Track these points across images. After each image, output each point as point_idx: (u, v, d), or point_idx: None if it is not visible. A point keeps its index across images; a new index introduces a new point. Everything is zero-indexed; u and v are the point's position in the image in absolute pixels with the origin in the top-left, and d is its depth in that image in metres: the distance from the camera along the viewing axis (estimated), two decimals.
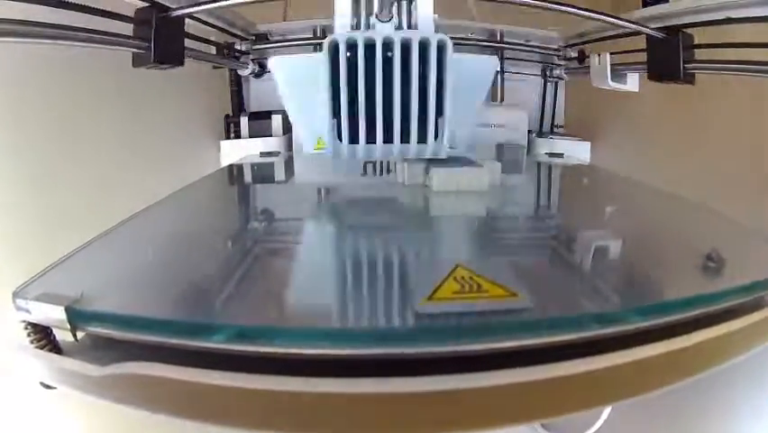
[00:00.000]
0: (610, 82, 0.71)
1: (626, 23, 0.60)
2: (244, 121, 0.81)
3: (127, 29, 0.48)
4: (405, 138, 0.41)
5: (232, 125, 0.82)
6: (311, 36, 0.80)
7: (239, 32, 0.76)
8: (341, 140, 0.41)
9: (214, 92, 0.83)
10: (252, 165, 0.69)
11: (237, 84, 0.84)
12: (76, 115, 0.53)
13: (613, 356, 0.22)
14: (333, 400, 0.21)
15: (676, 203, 0.45)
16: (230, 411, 0.22)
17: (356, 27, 0.42)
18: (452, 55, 0.39)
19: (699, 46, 0.60)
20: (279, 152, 0.77)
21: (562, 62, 0.82)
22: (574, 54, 0.80)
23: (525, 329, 0.22)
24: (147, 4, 0.48)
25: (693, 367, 0.25)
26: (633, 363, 0.23)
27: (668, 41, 0.59)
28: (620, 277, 0.31)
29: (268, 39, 0.80)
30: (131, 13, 0.48)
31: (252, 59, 0.80)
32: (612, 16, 0.61)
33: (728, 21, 0.55)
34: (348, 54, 0.39)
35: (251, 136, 0.80)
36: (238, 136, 0.81)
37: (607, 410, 0.57)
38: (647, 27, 0.60)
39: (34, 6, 0.39)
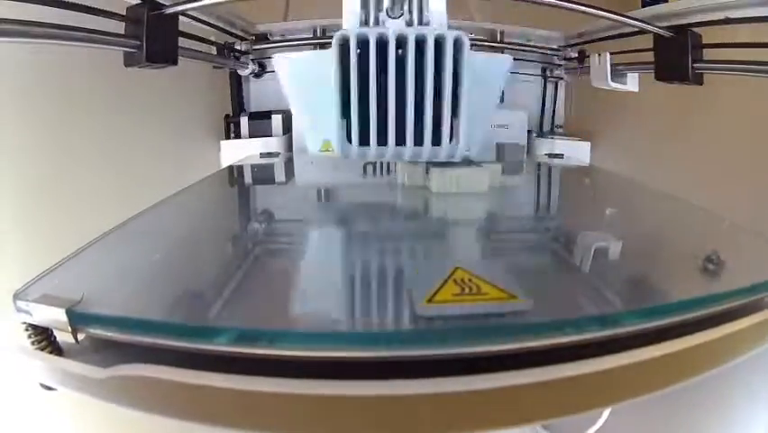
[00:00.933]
0: (610, 82, 0.71)
1: (634, 22, 0.59)
2: (244, 121, 0.81)
3: (119, 28, 0.47)
4: (418, 140, 0.38)
5: (232, 125, 0.82)
6: (311, 36, 0.80)
7: (239, 32, 0.75)
8: (350, 142, 0.38)
9: (214, 92, 0.83)
10: (252, 166, 0.68)
11: (237, 84, 0.84)
12: (76, 115, 0.53)
13: (613, 358, 0.22)
14: (335, 403, 0.21)
15: (675, 205, 0.45)
16: (231, 413, 0.22)
17: (365, 23, 0.39)
18: (469, 53, 0.36)
19: (705, 46, 0.60)
20: (279, 153, 0.77)
21: (562, 62, 0.82)
22: (574, 54, 0.80)
23: (525, 332, 0.22)
24: (139, 2, 0.47)
25: (694, 369, 0.25)
26: (633, 365, 0.23)
27: (676, 41, 0.58)
28: (620, 279, 0.31)
29: (268, 39, 0.80)
30: (122, 11, 0.47)
31: (252, 60, 0.80)
32: (620, 14, 0.60)
33: (727, 21, 0.55)
34: (358, 51, 0.36)
35: (251, 136, 0.80)
36: (238, 136, 0.81)
37: (607, 410, 0.57)
38: (655, 26, 0.59)
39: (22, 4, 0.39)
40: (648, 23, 0.59)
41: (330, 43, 0.37)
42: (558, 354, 0.22)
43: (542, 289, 0.28)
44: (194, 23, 0.63)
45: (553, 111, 0.87)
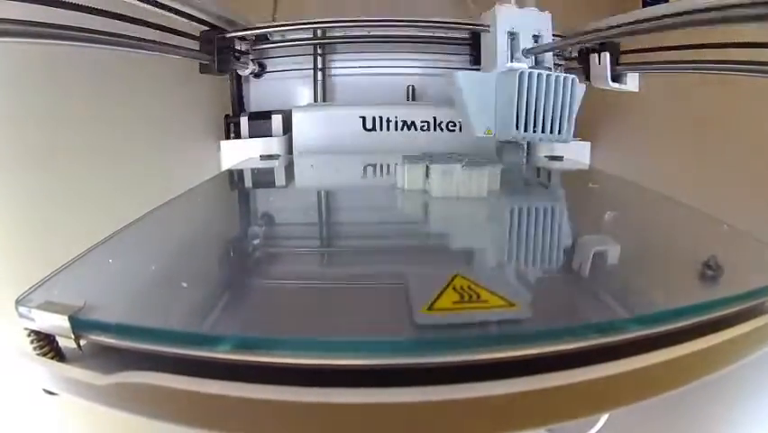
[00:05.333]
0: (610, 82, 0.71)
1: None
2: (244, 121, 0.81)
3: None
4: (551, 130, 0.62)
5: (232, 125, 0.82)
6: (311, 36, 0.80)
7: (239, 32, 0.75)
8: (517, 129, 0.61)
9: (214, 92, 0.83)
10: (252, 170, 0.69)
11: (237, 84, 0.84)
12: (76, 115, 0.53)
13: (613, 365, 0.23)
14: (334, 410, 0.21)
15: (674, 209, 0.45)
16: (231, 420, 0.22)
17: (508, 60, 0.66)
18: (578, 86, 0.62)
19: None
20: (279, 156, 0.77)
21: (562, 62, 0.82)
22: (574, 54, 0.80)
23: (524, 340, 0.22)
24: (208, 29, 0.67)
25: (695, 374, 0.25)
26: (633, 371, 0.23)
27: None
28: (619, 285, 0.31)
29: (268, 39, 0.80)
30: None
31: (252, 60, 0.80)
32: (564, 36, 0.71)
33: (727, 21, 0.54)
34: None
35: (251, 136, 0.80)
36: (238, 136, 0.81)
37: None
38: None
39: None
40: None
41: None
42: (558, 361, 0.22)
43: (540, 295, 0.28)
44: (193, 23, 0.64)
45: None
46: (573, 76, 0.61)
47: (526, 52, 0.67)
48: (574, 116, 0.62)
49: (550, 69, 0.67)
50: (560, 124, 0.62)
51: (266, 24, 0.75)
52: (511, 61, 0.67)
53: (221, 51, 0.69)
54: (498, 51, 0.67)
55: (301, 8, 0.83)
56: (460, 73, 0.64)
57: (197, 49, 0.67)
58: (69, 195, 0.52)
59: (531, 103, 0.60)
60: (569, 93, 0.61)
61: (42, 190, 0.49)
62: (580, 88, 0.63)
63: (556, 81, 0.61)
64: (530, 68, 0.64)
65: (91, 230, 0.36)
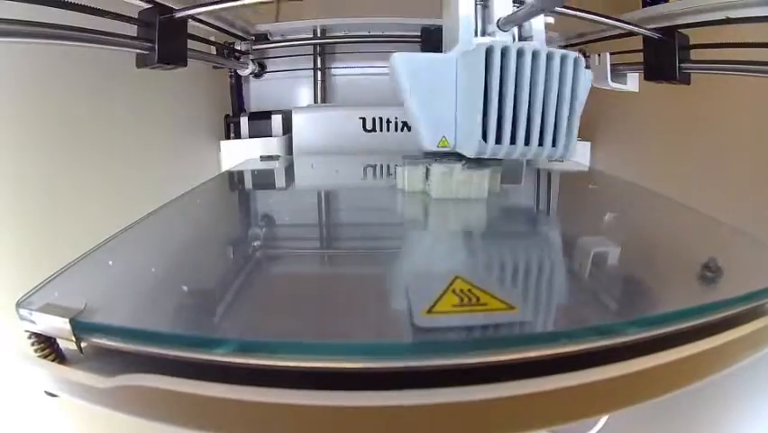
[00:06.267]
0: (610, 82, 0.71)
1: (623, 24, 0.60)
2: (244, 121, 0.81)
3: (123, 28, 0.47)
4: (540, 142, 0.43)
5: (232, 125, 0.82)
6: (311, 36, 0.80)
7: (239, 32, 0.75)
8: (486, 140, 0.41)
9: (214, 92, 0.83)
10: (252, 171, 0.68)
11: (237, 84, 0.84)
12: (76, 116, 0.53)
13: (612, 368, 0.23)
14: (334, 413, 0.21)
15: (674, 210, 0.45)
16: (231, 422, 0.22)
17: (477, 34, 0.46)
18: (584, 70, 0.42)
19: (698, 46, 0.61)
20: (279, 156, 0.77)
21: None
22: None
23: (523, 343, 0.22)
24: (150, 6, 0.48)
25: (694, 376, 0.25)
26: (633, 374, 0.23)
27: (664, 42, 0.60)
28: (619, 288, 0.31)
29: (268, 39, 0.80)
30: (130, 14, 0.48)
31: (252, 59, 0.80)
32: (609, 17, 0.61)
33: (728, 21, 0.55)
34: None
35: (251, 136, 0.81)
36: (238, 136, 0.81)
37: None
38: (643, 28, 0.60)
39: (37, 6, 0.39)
40: (637, 26, 0.59)
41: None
42: (557, 364, 0.22)
43: (540, 297, 0.28)
44: (193, 22, 0.63)
45: None
46: (577, 54, 0.41)
47: (504, 22, 0.45)
48: (578, 118, 0.43)
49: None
50: (555, 130, 0.41)
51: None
52: (483, 36, 0.45)
53: (167, 36, 0.49)
54: (460, 19, 0.44)
55: (303, 8, 0.82)
56: (398, 56, 0.43)
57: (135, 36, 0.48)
58: (70, 193, 0.52)
59: (507, 97, 0.40)
60: (570, 81, 0.41)
61: (43, 190, 0.49)
62: (586, 75, 0.43)
63: (549, 62, 0.40)
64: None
65: (91, 229, 0.36)
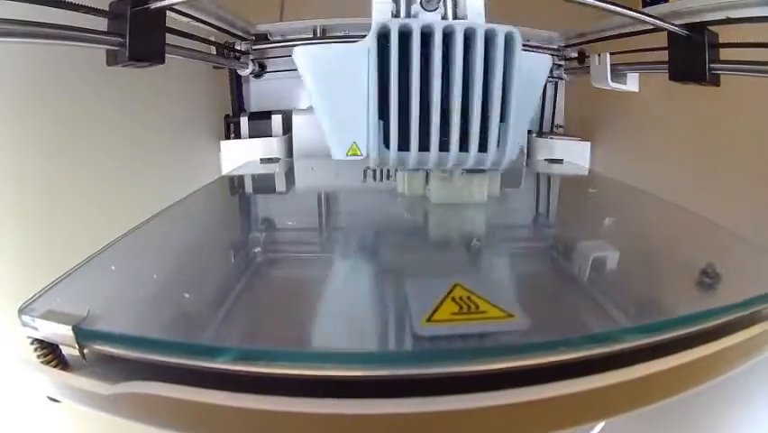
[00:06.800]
0: (610, 82, 0.71)
1: (649, 19, 0.55)
2: (244, 121, 0.81)
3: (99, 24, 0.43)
4: (462, 146, 0.35)
5: (232, 125, 0.82)
6: (311, 36, 0.80)
7: (239, 32, 0.75)
8: (388, 147, 0.34)
9: (214, 92, 0.83)
10: (253, 176, 0.68)
11: (237, 84, 0.84)
12: (76, 116, 0.53)
13: (610, 375, 0.23)
14: (335, 421, 0.21)
15: (673, 214, 0.45)
16: (234, 430, 0.22)
17: (396, 15, 0.37)
18: (520, 51, 0.33)
19: (721, 45, 0.58)
20: (279, 159, 0.77)
21: (563, 62, 0.82)
22: (574, 54, 0.80)
23: (521, 351, 0.22)
24: None
25: (692, 382, 0.26)
26: (631, 381, 0.23)
27: (692, 40, 0.54)
28: (617, 294, 0.31)
29: (268, 39, 0.80)
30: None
31: (252, 60, 0.80)
32: (633, 10, 0.56)
33: (728, 21, 0.54)
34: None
35: (251, 136, 0.80)
36: (238, 136, 0.81)
37: None
38: (670, 23, 0.54)
39: None
40: (663, 21, 0.56)
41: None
42: (556, 371, 0.23)
43: (539, 305, 0.28)
44: (193, 22, 0.63)
45: (553, 111, 0.87)
46: (513, 29, 0.33)
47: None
48: (529, 116, 0.36)
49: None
50: (486, 130, 0.34)
51: None
52: (405, 16, 0.37)
53: (140, 30, 0.43)
54: None
55: (304, 8, 0.82)
56: (299, 50, 0.37)
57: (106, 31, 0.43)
58: (69, 194, 0.52)
59: (413, 90, 0.33)
60: (503, 64, 0.33)
61: (42, 191, 0.49)
62: (542, 62, 0.37)
63: (469, 40, 0.32)
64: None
65: (91, 229, 0.37)
